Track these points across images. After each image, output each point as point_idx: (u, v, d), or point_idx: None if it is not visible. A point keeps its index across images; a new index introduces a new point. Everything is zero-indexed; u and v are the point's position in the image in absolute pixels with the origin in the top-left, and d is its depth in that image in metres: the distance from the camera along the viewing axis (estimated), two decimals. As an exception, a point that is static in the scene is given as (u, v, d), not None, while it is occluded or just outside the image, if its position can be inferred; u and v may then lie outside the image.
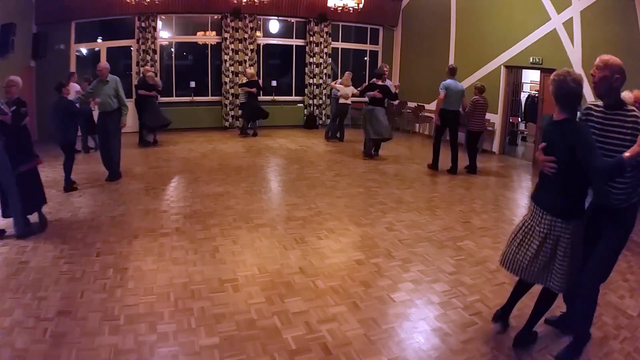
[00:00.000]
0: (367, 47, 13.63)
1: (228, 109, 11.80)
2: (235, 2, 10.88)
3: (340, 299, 3.42)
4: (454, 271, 3.97)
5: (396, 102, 12.30)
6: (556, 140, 2.49)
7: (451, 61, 10.74)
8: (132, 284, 3.57)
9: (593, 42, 7.51)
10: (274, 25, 12.51)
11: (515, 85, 10.48)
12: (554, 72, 2.51)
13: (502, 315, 3.02)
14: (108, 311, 3.14)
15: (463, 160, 7.94)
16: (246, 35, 11.68)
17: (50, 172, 6.85)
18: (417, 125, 12.30)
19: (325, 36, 12.50)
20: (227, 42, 11.51)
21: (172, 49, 11.68)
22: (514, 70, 9.70)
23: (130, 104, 9.34)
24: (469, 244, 4.62)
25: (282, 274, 3.83)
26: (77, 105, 6.28)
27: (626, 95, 3.76)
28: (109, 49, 10.86)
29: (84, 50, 10.85)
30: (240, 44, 11.68)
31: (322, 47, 12.50)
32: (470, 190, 6.85)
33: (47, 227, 4.70)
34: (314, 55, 12.48)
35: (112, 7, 10.23)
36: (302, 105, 12.83)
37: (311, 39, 12.37)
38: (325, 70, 12.71)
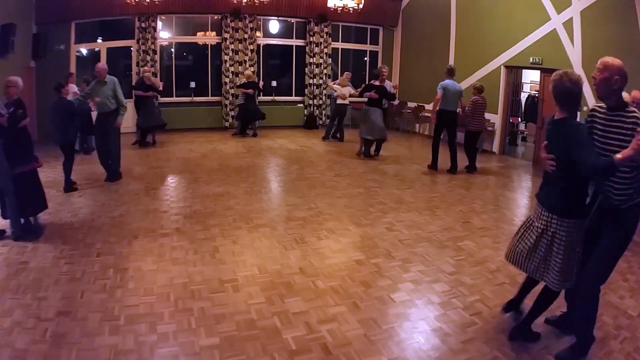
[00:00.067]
0: (367, 47, 13.63)
1: (228, 109, 11.79)
2: (235, 2, 10.88)
3: (340, 299, 3.42)
4: (454, 271, 3.97)
5: (396, 102, 12.31)
6: (555, 139, 2.58)
7: (451, 61, 10.75)
8: (132, 284, 3.57)
9: (593, 42, 7.52)
10: (274, 26, 12.51)
11: (515, 86, 10.49)
12: (553, 73, 2.59)
13: (512, 306, 3.11)
14: (108, 311, 3.14)
15: (463, 160, 7.94)
16: (246, 36, 11.68)
17: (50, 173, 6.85)
18: (417, 125, 12.30)
19: (325, 36, 12.50)
20: (227, 43, 11.52)
21: (172, 50, 11.68)
22: (514, 71, 9.70)
23: (130, 104, 9.40)
24: (469, 244, 4.62)
25: (282, 274, 3.83)
26: (76, 105, 6.28)
27: (624, 96, 3.77)
28: (109, 49, 10.86)
29: (84, 51, 10.84)
30: (240, 44, 11.68)
31: (322, 47, 12.50)
32: (470, 190, 6.85)
33: (41, 234, 4.52)
34: (314, 56, 12.48)
35: (112, 8, 10.23)
36: (302, 105, 12.83)
37: (311, 39, 12.37)
38: (325, 71, 12.71)
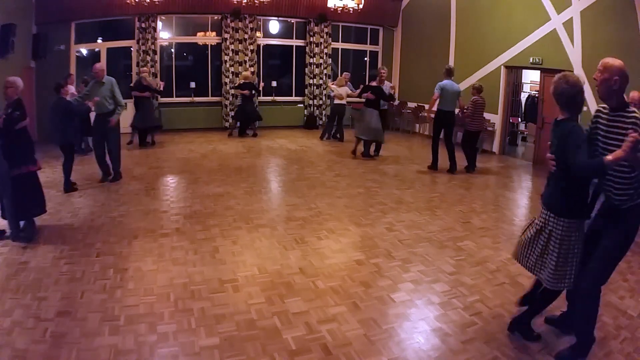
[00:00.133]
0: (367, 47, 13.63)
1: (228, 110, 11.79)
2: (235, 2, 10.88)
3: (340, 299, 3.42)
4: (454, 271, 3.97)
5: (396, 103, 12.31)
6: (555, 140, 2.63)
7: (451, 61, 10.76)
8: (132, 284, 3.57)
9: (593, 43, 7.52)
10: (274, 26, 12.51)
11: (515, 86, 10.49)
12: (555, 75, 2.66)
13: (527, 300, 3.11)
14: (108, 311, 3.14)
15: (463, 160, 7.94)
16: (246, 36, 11.68)
17: (50, 173, 6.85)
18: (417, 125, 12.30)
19: (325, 37, 12.50)
20: (227, 43, 11.52)
21: (172, 50, 11.68)
22: (514, 71, 9.70)
23: (130, 104, 9.40)
24: (469, 244, 4.62)
25: (282, 274, 3.83)
26: (75, 105, 6.27)
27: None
28: (109, 50, 10.86)
29: (84, 51, 10.84)
30: (240, 45, 11.68)
31: (322, 47, 12.50)
32: (470, 190, 6.85)
33: (32, 238, 4.40)
34: (314, 56, 12.48)
35: (112, 8, 10.23)
36: (302, 105, 12.83)
37: (311, 40, 12.37)
38: (325, 71, 12.72)
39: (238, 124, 11.03)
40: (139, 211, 5.39)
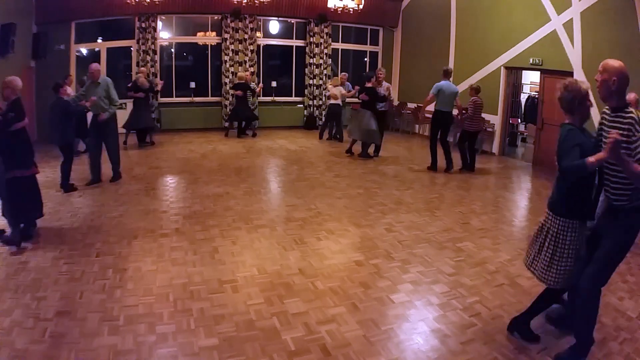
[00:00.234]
0: (367, 47, 13.63)
1: (228, 110, 11.78)
2: (235, 2, 10.87)
3: (340, 300, 3.42)
4: (453, 272, 3.97)
5: (390, 102, 12.30)
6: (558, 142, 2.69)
7: (451, 62, 10.77)
8: (131, 284, 3.57)
9: (593, 43, 7.52)
10: (274, 26, 12.51)
11: (515, 86, 10.49)
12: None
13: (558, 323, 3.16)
14: (107, 312, 3.14)
15: (458, 160, 7.96)
16: (246, 36, 11.68)
17: (50, 173, 6.85)
18: (417, 126, 12.30)
19: (325, 37, 12.50)
20: (227, 43, 11.51)
21: (172, 50, 11.67)
22: (514, 71, 9.70)
23: (130, 104, 9.40)
24: (469, 245, 4.62)
25: (282, 274, 3.83)
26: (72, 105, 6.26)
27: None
28: (109, 50, 10.86)
29: (84, 51, 10.83)
30: (240, 45, 11.68)
31: (322, 47, 12.50)
32: (469, 191, 6.85)
33: (22, 241, 4.28)
34: (314, 56, 12.48)
35: (112, 8, 10.23)
36: (302, 106, 12.82)
37: (311, 40, 12.37)
38: (325, 71, 12.72)
39: (235, 124, 11.04)
40: (138, 211, 5.39)
